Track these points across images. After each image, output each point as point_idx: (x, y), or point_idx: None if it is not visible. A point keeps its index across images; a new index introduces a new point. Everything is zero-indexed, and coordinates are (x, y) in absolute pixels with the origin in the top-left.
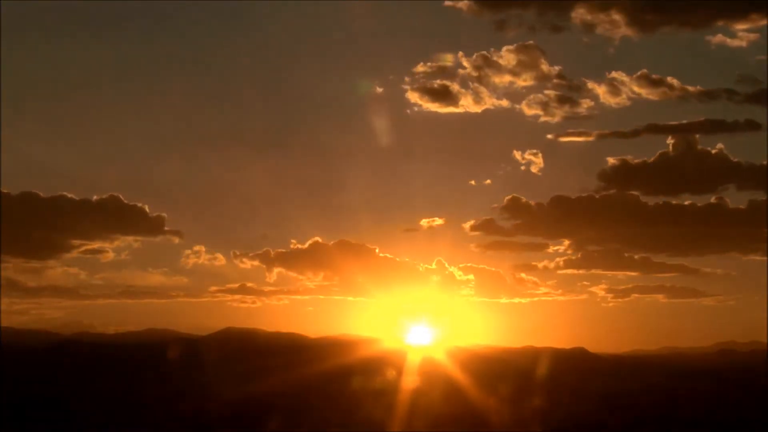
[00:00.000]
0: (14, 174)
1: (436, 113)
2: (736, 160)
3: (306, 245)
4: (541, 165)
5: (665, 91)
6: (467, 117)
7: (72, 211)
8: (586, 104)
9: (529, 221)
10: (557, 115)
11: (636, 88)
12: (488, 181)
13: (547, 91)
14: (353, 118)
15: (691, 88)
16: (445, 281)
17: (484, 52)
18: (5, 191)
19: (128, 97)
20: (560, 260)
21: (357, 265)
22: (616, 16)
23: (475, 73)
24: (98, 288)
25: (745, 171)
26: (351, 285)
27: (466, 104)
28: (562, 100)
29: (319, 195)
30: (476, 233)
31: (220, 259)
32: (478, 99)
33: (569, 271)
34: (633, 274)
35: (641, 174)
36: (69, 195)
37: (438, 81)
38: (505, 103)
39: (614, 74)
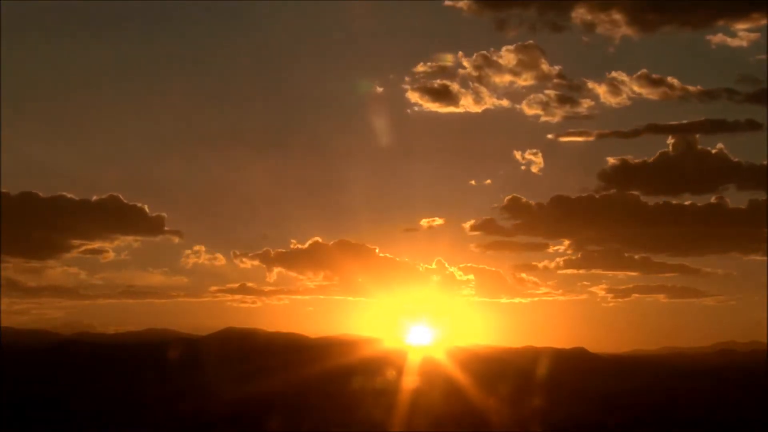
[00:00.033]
0: (14, 174)
1: (436, 113)
2: (736, 160)
3: (306, 245)
4: (542, 165)
5: (665, 91)
6: (467, 117)
7: (72, 211)
8: (586, 104)
9: (529, 221)
10: (557, 115)
11: (636, 88)
12: (488, 181)
13: (547, 91)
14: (353, 118)
15: (691, 88)
16: (445, 281)
17: (484, 52)
18: (5, 191)
19: (128, 97)
20: (560, 260)
21: (357, 265)
22: (617, 16)
23: (475, 73)
24: (98, 288)
25: (745, 171)
26: (351, 285)
27: (467, 104)
28: (562, 99)
29: (319, 195)
30: (476, 233)
31: (220, 259)
32: (478, 99)
33: (569, 271)
34: (633, 274)
35: (641, 174)
36: (69, 195)
37: (438, 81)
38: (505, 102)
39: (614, 74)
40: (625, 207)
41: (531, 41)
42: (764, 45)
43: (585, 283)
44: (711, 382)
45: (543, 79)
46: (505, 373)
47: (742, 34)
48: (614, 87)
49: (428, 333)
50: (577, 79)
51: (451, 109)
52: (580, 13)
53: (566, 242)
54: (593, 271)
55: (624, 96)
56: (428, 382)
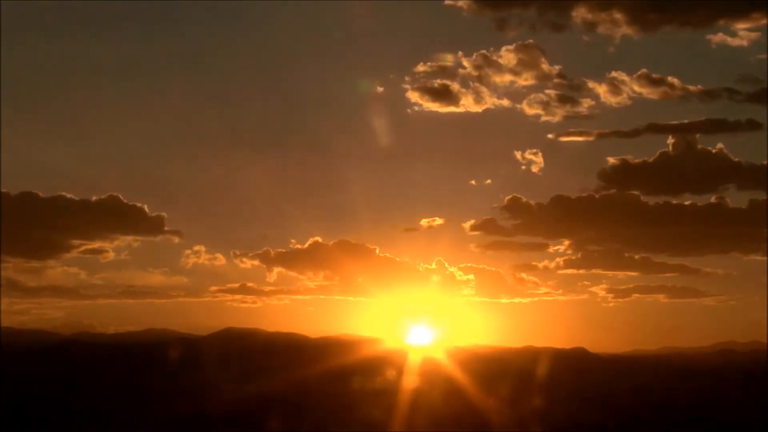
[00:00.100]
0: (14, 174)
1: (436, 113)
2: (736, 159)
3: (306, 245)
4: (542, 165)
5: (666, 91)
6: (468, 117)
7: (72, 211)
8: (586, 104)
9: (529, 221)
10: (558, 115)
11: (637, 88)
12: (488, 181)
13: (547, 91)
14: (353, 118)
15: (691, 88)
16: (445, 281)
17: (484, 52)
18: (5, 191)
19: (128, 97)
20: (560, 260)
21: (357, 265)
22: (617, 15)
23: (475, 73)
24: (98, 288)
25: (745, 171)
26: (351, 285)
27: (467, 104)
28: (562, 99)
29: (319, 195)
30: (476, 233)
31: (220, 259)
32: (478, 98)
33: (569, 271)
34: (633, 274)
35: (642, 174)
36: (69, 195)
37: (438, 81)
38: (505, 102)
39: (615, 74)
40: (625, 207)
41: (531, 41)
42: (765, 44)
43: (585, 283)
44: (711, 382)
45: (543, 79)
46: (505, 373)
47: (742, 33)
48: (614, 87)
49: (428, 333)
50: (578, 78)
51: (451, 108)
52: (580, 13)
53: (566, 242)
54: (593, 271)
55: (624, 96)
56: (428, 382)
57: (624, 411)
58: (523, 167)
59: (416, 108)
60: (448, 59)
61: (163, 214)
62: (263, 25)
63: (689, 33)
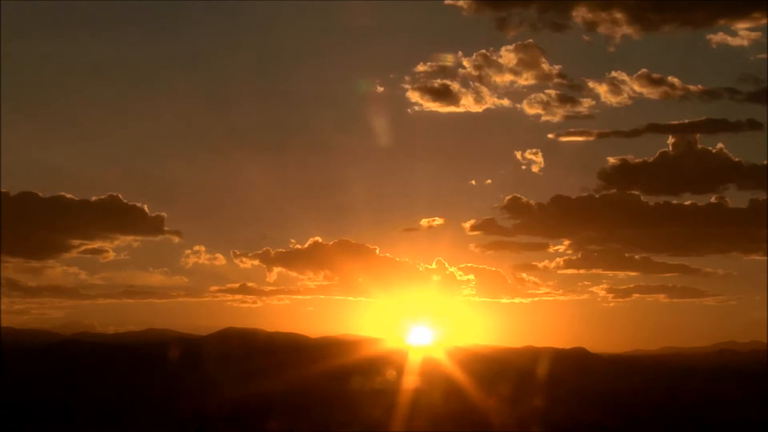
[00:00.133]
0: (14, 174)
1: (436, 113)
2: (736, 159)
3: (306, 245)
4: (542, 164)
5: (666, 91)
6: (468, 116)
7: (71, 211)
8: (586, 103)
9: (529, 221)
10: (558, 115)
11: (637, 88)
12: (489, 181)
13: (548, 91)
14: (353, 118)
15: (692, 88)
16: (445, 281)
17: (485, 51)
18: (5, 191)
19: (128, 97)
20: (560, 260)
21: (357, 265)
22: (618, 15)
23: (475, 73)
24: (98, 288)
25: (746, 170)
26: (351, 285)
27: (467, 104)
28: (562, 99)
29: (319, 195)
30: (476, 233)
31: (220, 259)
32: (478, 98)
33: (570, 271)
34: (633, 274)
35: (642, 173)
36: (68, 195)
37: (439, 80)
38: (506, 102)
39: (615, 73)
40: (626, 207)
41: (531, 40)
42: (765, 44)
43: (585, 283)
44: (711, 382)
45: (543, 79)
46: (505, 373)
47: (742, 33)
48: (615, 86)
49: (428, 333)
50: (578, 78)
51: (451, 108)
52: (580, 13)
53: (566, 242)
54: (593, 271)
55: (624, 95)
56: (428, 382)
57: (624, 411)
58: (523, 167)
59: (416, 108)
60: (448, 59)
61: (163, 214)
62: (263, 25)
63: (690, 33)
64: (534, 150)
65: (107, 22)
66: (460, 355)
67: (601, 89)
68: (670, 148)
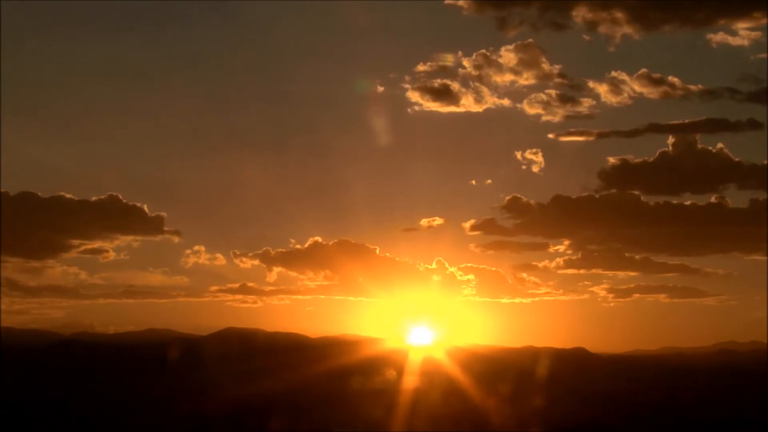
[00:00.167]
0: (14, 174)
1: (437, 113)
2: (737, 159)
3: (306, 245)
4: (542, 164)
5: (666, 90)
6: (468, 116)
7: (71, 211)
8: (587, 103)
9: (529, 221)
10: (558, 115)
11: (637, 87)
12: (489, 181)
13: (548, 90)
14: (353, 118)
15: (692, 87)
16: (445, 281)
17: (485, 51)
18: (5, 191)
19: (128, 97)
20: (561, 260)
21: (357, 265)
22: (618, 15)
23: (475, 73)
24: (98, 288)
25: (746, 170)
26: (351, 285)
27: (467, 104)
28: (563, 99)
29: (319, 195)
30: (476, 233)
31: (220, 259)
32: (479, 98)
33: (570, 270)
34: (634, 274)
35: (642, 173)
36: (68, 195)
37: (439, 80)
38: (506, 102)
39: (615, 73)
40: (626, 207)
41: (531, 40)
42: (765, 44)
43: (586, 283)
44: (711, 382)
45: (544, 79)
46: (505, 373)
47: (743, 33)
48: (615, 86)
49: (428, 333)
50: (578, 78)
51: (451, 108)
52: (580, 12)
53: (566, 242)
54: (594, 271)
55: (625, 95)
56: (428, 382)
57: (624, 411)
58: (524, 167)
59: (416, 108)
60: (448, 59)
61: (163, 214)
62: (263, 25)
63: (690, 32)
64: (534, 150)
65: (107, 22)
66: (460, 355)
67: (602, 89)
68: (671, 148)
